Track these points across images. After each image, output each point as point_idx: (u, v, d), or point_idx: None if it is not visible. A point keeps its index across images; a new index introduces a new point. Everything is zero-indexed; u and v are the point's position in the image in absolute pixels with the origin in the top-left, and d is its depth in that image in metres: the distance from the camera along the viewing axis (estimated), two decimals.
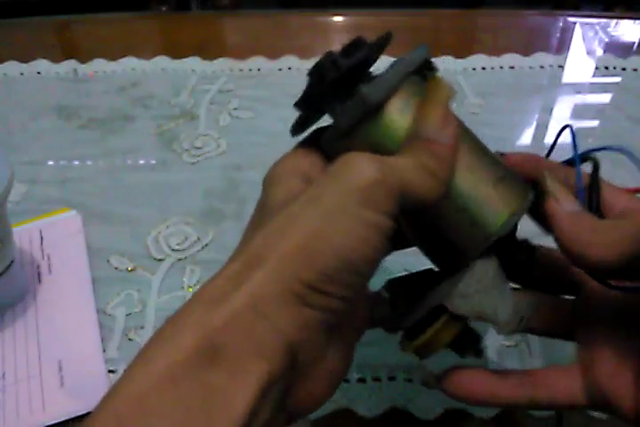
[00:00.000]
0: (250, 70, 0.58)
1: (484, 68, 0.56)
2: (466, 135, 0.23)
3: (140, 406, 0.17)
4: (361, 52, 0.21)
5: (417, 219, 0.23)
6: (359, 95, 0.21)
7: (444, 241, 0.23)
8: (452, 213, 0.22)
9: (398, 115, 0.22)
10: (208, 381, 0.17)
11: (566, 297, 0.26)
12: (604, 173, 0.24)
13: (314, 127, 0.25)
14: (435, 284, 0.24)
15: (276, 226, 0.19)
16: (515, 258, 0.24)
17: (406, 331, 0.25)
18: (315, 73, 0.22)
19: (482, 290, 0.22)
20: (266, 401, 0.18)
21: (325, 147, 0.23)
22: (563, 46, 0.60)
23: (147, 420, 0.17)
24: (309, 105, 0.23)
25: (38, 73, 0.58)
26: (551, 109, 0.52)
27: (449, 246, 0.23)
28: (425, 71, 0.23)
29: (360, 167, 0.19)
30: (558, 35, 0.62)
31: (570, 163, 0.24)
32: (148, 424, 0.16)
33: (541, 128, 0.50)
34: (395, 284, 0.26)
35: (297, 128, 0.25)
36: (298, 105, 0.23)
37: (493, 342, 0.34)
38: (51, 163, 0.48)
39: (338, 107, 0.22)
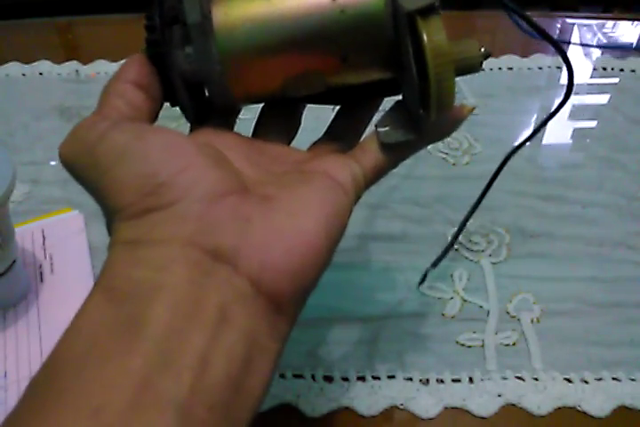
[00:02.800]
0: None
1: (482, 70, 0.57)
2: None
3: None
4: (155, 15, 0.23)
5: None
6: (186, 27, 0.22)
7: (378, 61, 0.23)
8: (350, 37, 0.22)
9: (225, 14, 0.22)
10: None
11: None
12: None
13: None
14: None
15: None
16: None
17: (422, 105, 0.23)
18: (150, 57, 0.24)
19: None
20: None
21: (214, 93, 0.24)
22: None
23: None
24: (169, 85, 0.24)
25: (40, 74, 0.58)
26: (550, 110, 0.52)
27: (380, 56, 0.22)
28: None
29: None
30: (556, 36, 0.62)
31: None
32: None
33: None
34: (384, 120, 0.25)
35: (190, 115, 0.26)
36: (169, 98, 0.25)
37: (492, 342, 0.35)
38: (53, 163, 0.48)
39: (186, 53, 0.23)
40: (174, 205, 0.18)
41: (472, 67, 0.23)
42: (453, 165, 0.47)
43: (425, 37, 0.20)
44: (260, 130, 0.26)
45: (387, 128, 0.24)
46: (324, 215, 0.20)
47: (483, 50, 0.23)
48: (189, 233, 0.18)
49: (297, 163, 0.24)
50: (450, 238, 0.36)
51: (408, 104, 0.25)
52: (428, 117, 0.22)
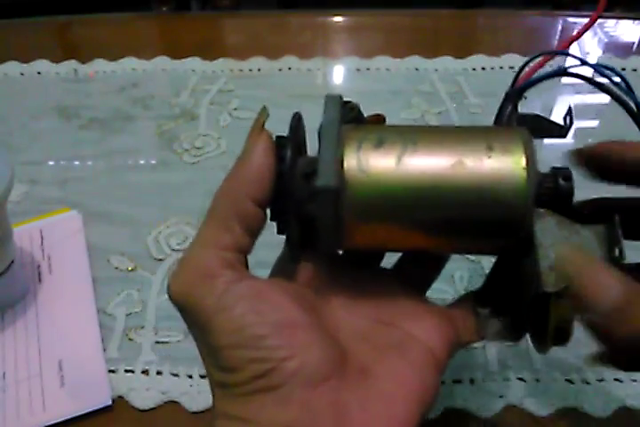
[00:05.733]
0: (250, 70, 0.58)
1: (483, 69, 0.56)
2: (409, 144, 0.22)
3: None
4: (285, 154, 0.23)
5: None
6: (318, 192, 0.21)
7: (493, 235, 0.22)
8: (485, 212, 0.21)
9: (361, 173, 0.21)
10: None
11: None
12: None
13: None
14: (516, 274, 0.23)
15: None
16: (559, 195, 0.23)
17: (532, 333, 0.23)
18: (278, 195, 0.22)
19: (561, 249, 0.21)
20: None
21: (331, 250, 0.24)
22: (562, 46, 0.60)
23: None
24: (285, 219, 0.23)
25: (39, 73, 0.58)
26: (551, 109, 0.52)
27: (498, 235, 0.22)
28: (348, 110, 0.24)
29: None
30: (558, 35, 0.62)
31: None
32: None
33: None
34: (481, 296, 0.25)
35: (295, 252, 0.25)
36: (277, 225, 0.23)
37: (493, 343, 0.35)
38: (51, 163, 0.48)
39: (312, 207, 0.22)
40: (280, 387, 0.20)
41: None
42: None
43: (552, 318, 0.21)
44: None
45: (487, 311, 0.24)
46: (418, 398, 0.21)
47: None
48: (290, 419, 0.20)
49: (399, 314, 0.24)
50: None
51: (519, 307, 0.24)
52: (539, 350, 0.23)
